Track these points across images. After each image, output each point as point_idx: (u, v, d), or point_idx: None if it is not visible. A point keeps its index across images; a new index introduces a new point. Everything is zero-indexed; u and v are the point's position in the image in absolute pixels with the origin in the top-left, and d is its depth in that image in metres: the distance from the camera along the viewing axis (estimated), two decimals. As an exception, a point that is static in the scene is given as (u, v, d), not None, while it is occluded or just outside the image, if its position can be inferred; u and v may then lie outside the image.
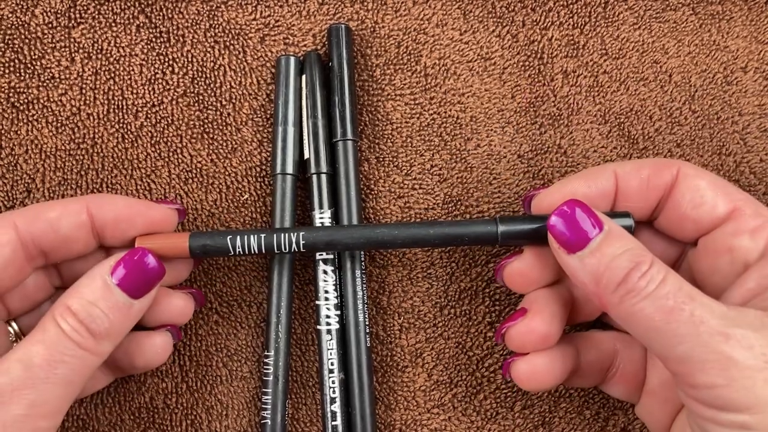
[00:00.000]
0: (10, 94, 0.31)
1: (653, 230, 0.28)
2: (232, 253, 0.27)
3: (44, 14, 0.32)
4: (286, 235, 0.27)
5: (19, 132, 0.31)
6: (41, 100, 0.31)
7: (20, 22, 0.32)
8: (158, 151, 0.31)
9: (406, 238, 0.27)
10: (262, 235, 0.27)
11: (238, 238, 0.27)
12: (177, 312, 0.28)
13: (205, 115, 0.32)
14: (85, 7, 0.32)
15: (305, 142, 0.31)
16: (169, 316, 0.28)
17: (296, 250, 0.27)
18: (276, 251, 0.27)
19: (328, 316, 0.29)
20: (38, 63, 0.31)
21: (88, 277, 0.25)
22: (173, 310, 0.28)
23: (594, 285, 0.23)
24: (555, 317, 0.26)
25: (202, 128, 0.32)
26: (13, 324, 0.27)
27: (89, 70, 0.32)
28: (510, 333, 0.27)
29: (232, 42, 0.32)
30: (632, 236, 0.24)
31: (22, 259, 0.26)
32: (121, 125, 0.31)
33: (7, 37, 0.32)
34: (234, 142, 0.32)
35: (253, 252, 0.27)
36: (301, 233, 0.27)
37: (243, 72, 0.32)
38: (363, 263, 0.30)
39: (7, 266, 0.25)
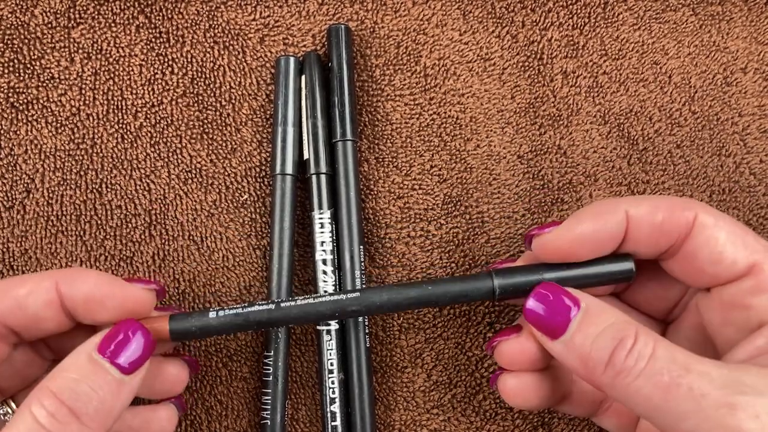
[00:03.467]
0: (10, 95, 0.31)
1: (657, 266, 0.27)
2: (217, 333, 0.25)
3: (44, 14, 0.32)
4: (265, 307, 0.26)
5: (18, 132, 0.31)
6: (41, 101, 0.31)
7: (20, 23, 0.32)
8: (158, 152, 0.31)
9: (391, 305, 0.26)
10: (239, 310, 0.25)
11: (220, 314, 0.25)
12: (171, 381, 0.26)
13: (205, 115, 0.32)
14: (85, 8, 0.32)
15: (305, 142, 0.31)
16: (162, 387, 0.26)
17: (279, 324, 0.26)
18: (255, 328, 0.26)
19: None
20: (38, 63, 0.31)
21: (73, 354, 0.23)
22: (167, 380, 0.26)
23: (583, 369, 0.23)
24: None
25: (201, 128, 0.32)
26: (11, 403, 0.26)
27: (89, 70, 0.32)
28: (501, 348, 0.26)
29: (231, 42, 0.32)
30: (612, 308, 0.23)
31: None
32: (120, 125, 0.31)
33: (6, 37, 0.32)
34: (233, 143, 0.32)
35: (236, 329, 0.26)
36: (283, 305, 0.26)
37: (242, 72, 0.32)
38: (363, 264, 0.30)
39: None
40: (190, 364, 0.28)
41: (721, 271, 0.24)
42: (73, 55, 0.32)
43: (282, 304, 0.26)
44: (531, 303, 0.24)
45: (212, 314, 0.25)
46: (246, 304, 0.26)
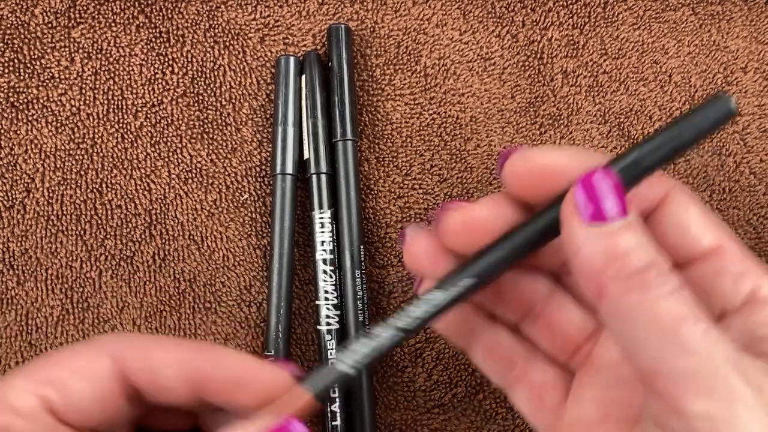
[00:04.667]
0: (10, 94, 0.31)
1: None
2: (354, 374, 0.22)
3: (44, 14, 0.32)
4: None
5: (18, 132, 0.31)
6: (41, 100, 0.31)
7: (20, 22, 0.32)
8: (158, 151, 0.31)
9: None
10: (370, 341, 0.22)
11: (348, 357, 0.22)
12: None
13: (205, 115, 0.32)
14: (85, 7, 0.32)
15: (305, 142, 0.31)
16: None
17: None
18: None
19: (328, 316, 0.29)
20: (38, 63, 0.31)
21: None
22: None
23: (602, 265, 0.20)
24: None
25: (201, 128, 0.32)
26: None
27: (89, 70, 0.32)
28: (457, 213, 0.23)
29: (231, 42, 0.32)
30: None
31: (119, 397, 0.22)
32: (120, 125, 0.31)
33: (6, 37, 0.32)
34: (234, 142, 0.32)
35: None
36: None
37: (243, 72, 0.32)
38: (363, 263, 0.30)
39: (105, 403, 0.21)
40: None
41: (683, 244, 0.22)
42: (73, 55, 0.32)
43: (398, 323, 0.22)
44: (590, 176, 0.20)
45: (344, 365, 0.22)
46: (368, 333, 0.22)
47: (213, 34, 0.32)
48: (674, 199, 0.22)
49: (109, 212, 0.31)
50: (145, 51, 0.32)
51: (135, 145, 0.31)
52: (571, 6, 0.33)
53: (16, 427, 0.20)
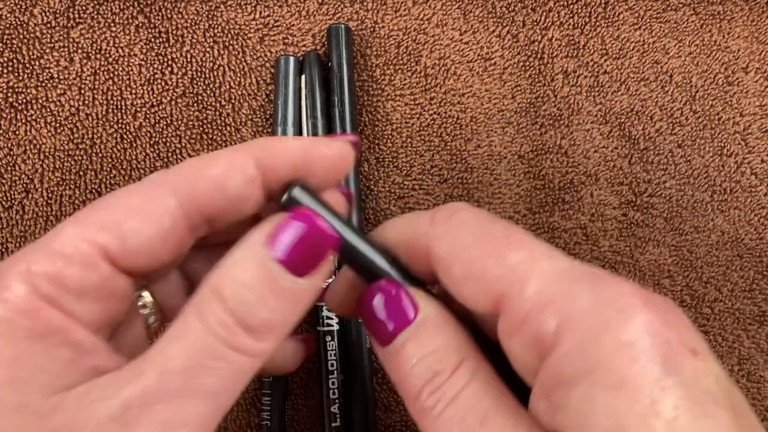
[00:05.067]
0: (9, 94, 0.31)
1: None
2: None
3: (43, 14, 0.32)
4: None
5: (17, 132, 0.31)
6: (40, 100, 0.31)
7: (19, 22, 0.32)
8: (157, 152, 0.31)
9: None
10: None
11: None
12: (288, 357, 0.25)
13: (204, 115, 0.32)
14: (84, 7, 0.32)
15: (305, 142, 0.30)
16: (279, 363, 0.24)
17: None
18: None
19: (328, 317, 0.29)
20: (37, 63, 0.31)
21: (238, 250, 0.19)
22: (284, 355, 0.24)
23: (399, 391, 0.20)
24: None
25: (201, 129, 0.32)
26: (146, 294, 0.23)
27: (88, 70, 0.31)
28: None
29: (231, 42, 0.32)
30: (452, 326, 0.20)
31: (183, 230, 0.20)
32: (119, 125, 0.31)
33: (5, 37, 0.31)
34: (233, 143, 0.31)
35: None
36: None
37: (242, 72, 0.32)
38: (363, 264, 0.30)
39: (166, 240, 0.20)
40: (308, 343, 0.26)
41: (474, 310, 0.20)
42: (72, 55, 0.32)
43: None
44: (365, 295, 0.20)
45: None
46: None
47: (212, 34, 0.32)
48: (437, 263, 0.20)
49: (108, 213, 0.31)
50: (144, 51, 0.32)
51: (134, 145, 0.31)
52: (571, 6, 0.33)
53: (69, 275, 0.18)
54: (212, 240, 0.22)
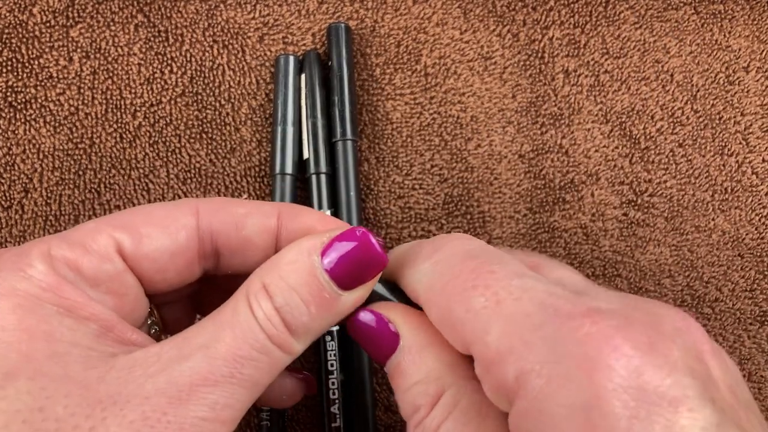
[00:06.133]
0: (8, 94, 0.31)
1: None
2: None
3: (42, 13, 0.32)
4: None
5: (16, 131, 0.31)
6: (39, 100, 0.31)
7: (18, 21, 0.31)
8: (156, 151, 0.31)
9: None
10: None
11: None
12: (288, 394, 0.25)
13: (204, 114, 0.32)
14: (84, 6, 0.32)
15: (305, 142, 0.30)
16: (278, 396, 0.25)
17: None
18: None
19: (327, 317, 0.29)
20: (36, 62, 0.31)
21: (293, 251, 0.20)
22: (284, 392, 0.25)
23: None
24: None
25: (200, 128, 0.31)
26: (155, 312, 0.24)
27: (87, 69, 0.31)
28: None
29: (230, 41, 0.32)
30: (430, 353, 0.20)
31: (194, 254, 0.21)
32: (119, 125, 0.31)
33: (4, 36, 0.31)
34: (233, 142, 0.31)
35: None
36: None
37: (242, 71, 0.32)
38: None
39: (178, 255, 0.21)
40: (307, 383, 0.26)
41: (462, 352, 0.19)
42: (71, 54, 0.31)
43: None
44: (352, 324, 0.21)
45: None
46: None
47: (212, 33, 0.32)
48: (428, 316, 0.20)
49: (107, 212, 0.31)
50: (143, 50, 0.32)
51: (133, 144, 0.31)
52: (572, 5, 0.33)
53: (82, 263, 0.20)
54: (221, 276, 0.23)
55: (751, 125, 0.32)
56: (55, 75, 0.31)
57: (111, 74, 0.31)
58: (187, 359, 0.18)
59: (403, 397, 0.20)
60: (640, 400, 0.14)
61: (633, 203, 0.32)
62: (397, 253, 0.22)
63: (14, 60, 0.31)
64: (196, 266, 0.22)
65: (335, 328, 0.29)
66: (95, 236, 0.20)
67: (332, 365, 0.29)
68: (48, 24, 0.32)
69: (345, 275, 0.20)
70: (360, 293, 0.20)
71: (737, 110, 0.32)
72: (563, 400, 0.15)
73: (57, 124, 0.31)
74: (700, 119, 0.32)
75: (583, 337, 0.16)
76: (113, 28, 0.32)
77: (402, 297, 0.22)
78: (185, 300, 0.24)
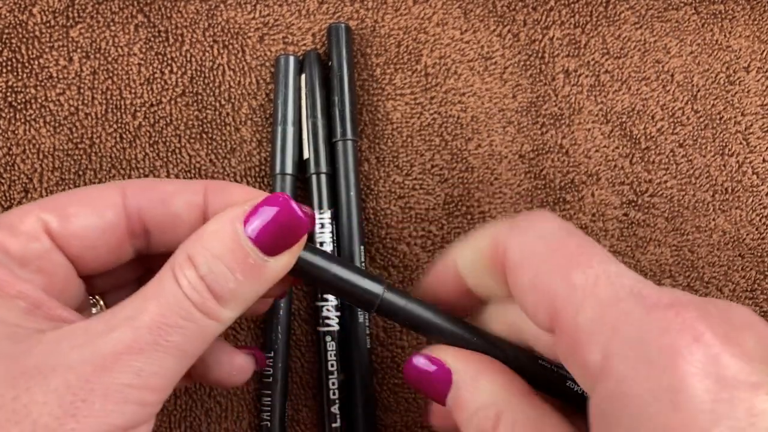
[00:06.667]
0: (8, 94, 0.31)
1: None
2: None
3: (42, 13, 0.32)
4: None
5: (16, 131, 0.31)
6: (39, 100, 0.31)
7: (18, 21, 0.31)
8: (156, 151, 0.31)
9: None
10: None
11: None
12: (237, 370, 0.25)
13: (204, 114, 0.32)
14: (84, 6, 0.32)
15: (305, 142, 0.30)
16: (228, 374, 0.25)
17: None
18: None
19: (328, 318, 0.29)
20: (36, 62, 0.31)
21: (216, 222, 0.20)
22: (233, 368, 0.25)
23: None
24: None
25: (200, 128, 0.31)
26: (101, 301, 0.24)
27: (87, 69, 0.31)
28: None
29: (231, 41, 0.32)
30: (484, 381, 0.21)
31: (123, 231, 0.22)
32: (119, 125, 0.31)
33: (4, 36, 0.31)
34: (233, 142, 0.31)
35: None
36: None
37: (242, 71, 0.32)
38: (363, 264, 0.30)
39: (106, 233, 0.22)
40: (257, 359, 0.27)
41: (537, 324, 0.20)
42: (71, 54, 0.31)
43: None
44: (407, 371, 0.22)
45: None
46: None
47: (212, 33, 0.32)
48: (508, 269, 0.21)
49: (107, 212, 0.31)
50: (143, 50, 0.32)
51: (133, 145, 0.31)
52: (572, 5, 0.33)
53: (9, 244, 0.20)
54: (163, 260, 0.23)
55: (751, 125, 0.32)
56: (55, 75, 0.31)
57: (111, 74, 0.31)
58: (113, 330, 0.19)
59: (467, 426, 0.20)
60: (722, 384, 0.15)
61: (633, 203, 0.32)
62: (475, 235, 0.23)
63: (14, 60, 0.31)
64: (127, 244, 0.22)
65: (335, 328, 0.29)
66: (22, 218, 0.21)
67: (332, 365, 0.29)
68: (48, 24, 0.32)
69: (268, 241, 0.20)
70: (286, 259, 0.21)
71: (738, 110, 0.32)
72: (648, 384, 0.16)
73: (57, 125, 0.31)
74: (701, 119, 0.32)
75: (667, 326, 0.16)
76: (113, 28, 0.32)
77: (443, 316, 0.23)
78: (131, 286, 0.25)
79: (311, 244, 0.22)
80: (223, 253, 0.20)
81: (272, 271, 0.21)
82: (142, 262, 0.24)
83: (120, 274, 0.24)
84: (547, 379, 0.22)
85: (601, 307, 0.18)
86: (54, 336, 0.19)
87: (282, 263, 0.21)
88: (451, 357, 0.21)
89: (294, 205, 0.20)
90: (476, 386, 0.21)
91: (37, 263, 0.21)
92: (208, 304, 0.20)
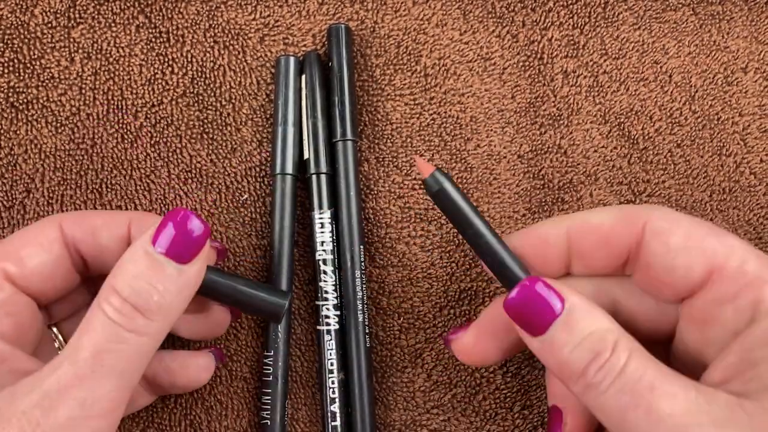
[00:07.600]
0: (10, 94, 0.31)
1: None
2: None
3: (44, 14, 0.32)
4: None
5: (18, 132, 0.31)
6: (40, 100, 0.31)
7: (20, 22, 0.32)
8: (158, 152, 0.31)
9: None
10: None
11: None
12: (203, 370, 0.28)
13: (205, 115, 0.32)
14: (85, 7, 0.32)
15: (305, 142, 0.31)
16: (195, 374, 0.28)
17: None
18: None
19: (327, 317, 0.29)
20: (37, 63, 0.31)
21: (129, 251, 0.23)
22: (200, 369, 0.28)
23: (558, 372, 0.22)
24: (497, 338, 0.25)
25: (201, 128, 0.32)
26: (55, 330, 0.27)
27: (89, 70, 0.32)
28: (453, 347, 0.26)
29: (231, 42, 0.32)
30: (597, 312, 0.22)
31: (68, 261, 0.25)
32: (120, 125, 0.31)
33: (6, 37, 0.31)
34: (233, 142, 0.32)
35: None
36: None
37: (242, 72, 0.32)
38: (363, 264, 0.30)
39: (57, 265, 0.24)
40: (216, 356, 0.29)
41: (678, 281, 0.22)
42: (73, 55, 0.32)
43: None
44: (513, 295, 0.22)
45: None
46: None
47: (213, 34, 0.32)
48: (653, 234, 0.23)
49: (108, 212, 0.31)
50: (144, 51, 0.32)
51: (135, 145, 0.31)
52: (571, 6, 0.33)
53: None
54: None
55: (749, 126, 0.32)
56: (56, 76, 0.31)
57: (112, 75, 0.32)
58: (56, 369, 0.21)
59: (573, 350, 0.21)
60: None
61: (631, 203, 0.32)
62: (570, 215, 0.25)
63: (16, 61, 0.31)
64: (74, 271, 0.25)
65: (334, 328, 0.29)
66: None
67: (332, 364, 0.29)
68: (49, 25, 0.32)
69: (178, 249, 0.22)
70: (199, 263, 0.23)
71: (735, 111, 0.32)
72: None
73: (59, 125, 0.31)
74: (699, 120, 0.32)
75: None
76: (114, 29, 0.32)
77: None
78: (84, 310, 0.26)
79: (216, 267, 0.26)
80: (141, 272, 0.22)
81: (191, 277, 0.23)
82: (88, 286, 0.27)
83: (73, 299, 0.27)
84: None
85: (762, 260, 0.21)
86: (12, 389, 0.21)
87: (196, 268, 0.23)
88: (565, 287, 0.22)
89: (192, 214, 0.23)
90: (592, 313, 0.22)
91: (4, 309, 0.23)
92: (135, 322, 0.22)
